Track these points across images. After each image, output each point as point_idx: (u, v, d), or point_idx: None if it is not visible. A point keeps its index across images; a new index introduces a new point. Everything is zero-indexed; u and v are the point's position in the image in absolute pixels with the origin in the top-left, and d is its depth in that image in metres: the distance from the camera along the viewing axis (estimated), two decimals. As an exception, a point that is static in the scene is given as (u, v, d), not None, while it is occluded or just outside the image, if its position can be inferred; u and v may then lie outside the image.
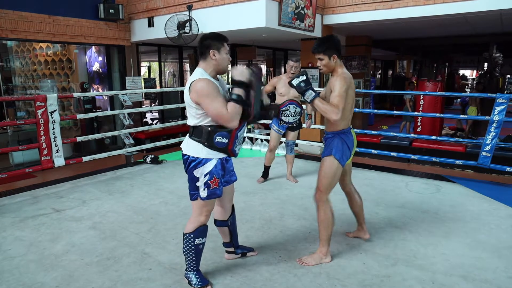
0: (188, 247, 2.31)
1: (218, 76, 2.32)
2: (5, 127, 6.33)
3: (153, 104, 12.26)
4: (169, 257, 2.78)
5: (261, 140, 6.49)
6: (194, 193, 2.26)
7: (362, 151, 5.44)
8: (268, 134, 5.28)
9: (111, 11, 6.60)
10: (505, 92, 12.07)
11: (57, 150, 4.51)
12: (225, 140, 2.21)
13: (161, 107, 7.09)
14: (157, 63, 9.35)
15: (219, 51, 2.19)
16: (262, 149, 6.43)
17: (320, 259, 2.65)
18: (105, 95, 7.66)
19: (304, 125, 4.70)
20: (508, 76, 18.15)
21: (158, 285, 2.42)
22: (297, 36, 6.62)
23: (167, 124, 7.50)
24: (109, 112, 6.51)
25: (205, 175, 2.21)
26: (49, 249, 2.92)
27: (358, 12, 6.15)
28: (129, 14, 7.10)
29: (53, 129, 4.45)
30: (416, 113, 7.12)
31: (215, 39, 2.20)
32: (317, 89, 3.72)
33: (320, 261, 2.65)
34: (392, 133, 5.50)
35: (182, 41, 6.15)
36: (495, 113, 4.43)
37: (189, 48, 8.53)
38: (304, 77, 2.48)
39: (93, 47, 7.78)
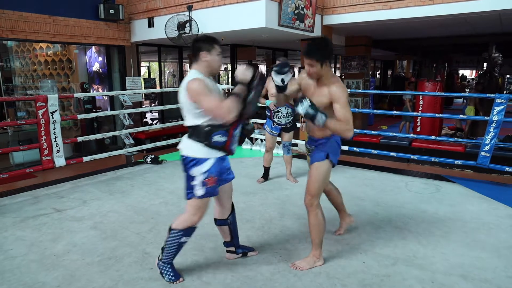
0: (172, 242, 2.37)
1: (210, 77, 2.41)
2: (5, 127, 6.34)
3: (153, 104, 12.27)
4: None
5: (261, 140, 6.50)
6: (190, 192, 2.30)
7: (362, 151, 5.46)
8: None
9: (111, 11, 6.62)
10: (505, 92, 12.10)
11: (57, 150, 4.52)
12: (223, 139, 2.26)
13: (161, 107, 7.10)
14: (157, 63, 9.38)
15: (210, 53, 2.28)
16: (262, 149, 6.44)
17: (313, 262, 2.63)
18: (105, 95, 7.67)
19: (298, 125, 4.70)
20: (508, 76, 18.18)
21: (159, 284, 2.43)
22: (297, 37, 6.63)
23: (167, 124, 7.52)
24: (109, 112, 6.52)
25: (202, 174, 2.25)
26: (50, 249, 2.93)
27: (358, 13, 6.17)
28: (129, 14, 7.11)
29: (54, 129, 4.46)
30: (415, 113, 7.14)
31: (205, 42, 2.29)
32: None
33: (313, 265, 2.62)
34: (391, 133, 5.51)
35: (182, 42, 6.16)
36: (494, 113, 4.44)
37: (189, 48, 8.51)
38: (308, 101, 2.29)
39: (93, 47, 7.80)
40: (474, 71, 20.20)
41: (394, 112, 6.48)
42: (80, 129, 7.62)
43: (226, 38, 6.81)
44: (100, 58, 7.83)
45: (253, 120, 6.74)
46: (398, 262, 2.70)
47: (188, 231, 2.37)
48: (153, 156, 5.63)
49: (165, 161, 5.72)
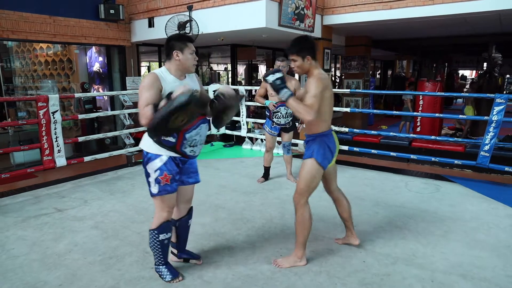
0: (153, 243, 2.37)
1: (193, 74, 2.43)
2: (6, 128, 6.34)
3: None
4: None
5: (261, 140, 6.51)
6: (149, 189, 2.32)
7: (362, 151, 5.47)
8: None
9: (112, 11, 6.63)
10: (504, 92, 12.11)
11: (58, 150, 4.53)
12: (172, 140, 2.24)
13: (161, 107, 7.08)
14: (157, 63, 9.38)
15: (182, 52, 2.26)
16: (262, 149, 6.45)
17: (294, 262, 2.62)
18: (105, 95, 7.68)
19: (297, 124, 4.71)
20: (508, 76, 18.19)
21: (160, 283, 2.45)
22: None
23: (167, 124, 7.49)
24: (109, 112, 6.52)
25: (155, 171, 2.26)
26: (52, 248, 2.94)
27: (358, 13, 6.18)
28: (130, 14, 7.12)
29: (55, 129, 4.48)
30: (415, 113, 7.15)
31: (178, 40, 2.29)
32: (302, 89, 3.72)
33: (294, 264, 2.61)
34: (391, 133, 5.52)
35: (183, 42, 6.17)
36: (494, 113, 4.45)
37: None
38: (281, 74, 2.44)
39: (94, 47, 7.81)
40: (474, 71, 20.21)
41: (394, 112, 6.49)
42: (81, 129, 7.63)
43: (226, 38, 6.83)
44: (101, 58, 7.84)
45: (253, 120, 6.76)
46: (398, 261, 2.72)
47: (163, 228, 2.35)
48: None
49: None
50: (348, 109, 6.20)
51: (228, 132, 6.89)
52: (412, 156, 5.15)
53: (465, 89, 15.22)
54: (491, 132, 4.49)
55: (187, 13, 6.01)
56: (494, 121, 4.45)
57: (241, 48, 8.93)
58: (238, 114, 6.82)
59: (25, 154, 5.92)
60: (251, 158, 5.98)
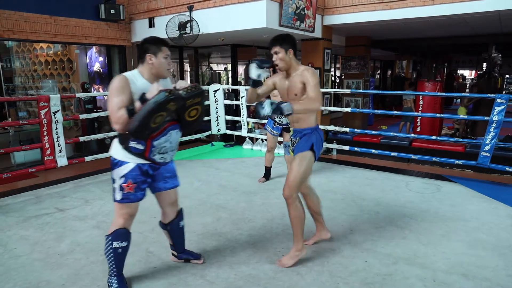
0: (107, 250, 2.27)
1: (167, 79, 2.34)
2: (6, 128, 6.34)
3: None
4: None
5: (262, 140, 6.52)
6: (113, 195, 2.26)
7: (363, 151, 5.49)
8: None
9: (112, 11, 6.63)
10: (504, 92, 12.13)
11: (60, 150, 4.54)
12: (141, 147, 2.16)
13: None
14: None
15: (156, 56, 2.18)
16: (263, 149, 6.46)
17: (296, 256, 2.64)
18: (106, 95, 7.67)
19: None
20: (507, 76, 18.22)
21: (163, 283, 2.45)
22: (297, 37, 6.64)
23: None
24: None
25: (120, 177, 2.19)
26: (54, 248, 2.95)
27: (358, 13, 6.19)
28: (130, 14, 7.12)
29: (56, 129, 4.48)
30: (415, 113, 7.16)
31: (152, 44, 2.20)
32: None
33: (296, 258, 2.63)
34: (392, 133, 5.53)
35: (183, 42, 6.18)
36: (495, 113, 4.47)
37: (190, 49, 8.56)
38: (268, 101, 2.24)
39: (94, 47, 7.81)
40: (474, 71, 20.24)
41: (394, 112, 6.51)
42: (81, 129, 7.62)
43: (226, 38, 6.83)
44: (101, 58, 7.84)
45: (253, 120, 6.76)
46: (400, 261, 2.73)
47: (117, 235, 2.24)
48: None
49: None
50: (348, 109, 6.22)
51: (229, 132, 6.90)
52: (413, 156, 5.16)
53: (466, 90, 15.24)
54: (492, 132, 4.51)
55: (188, 13, 6.01)
56: (495, 121, 4.47)
57: (241, 48, 8.93)
58: (238, 114, 6.83)
59: (26, 154, 5.92)
60: (251, 158, 5.99)
